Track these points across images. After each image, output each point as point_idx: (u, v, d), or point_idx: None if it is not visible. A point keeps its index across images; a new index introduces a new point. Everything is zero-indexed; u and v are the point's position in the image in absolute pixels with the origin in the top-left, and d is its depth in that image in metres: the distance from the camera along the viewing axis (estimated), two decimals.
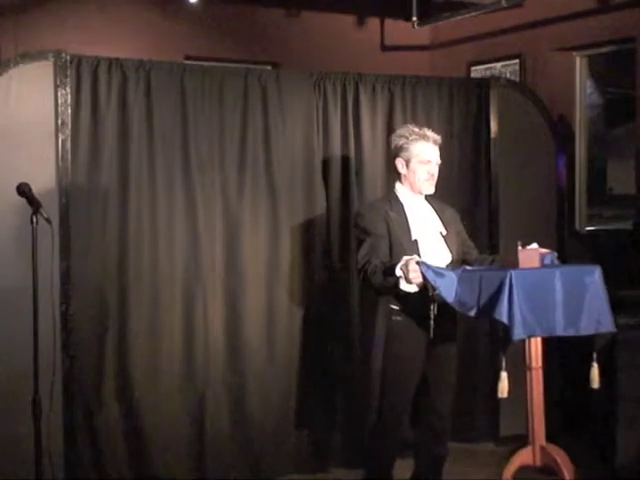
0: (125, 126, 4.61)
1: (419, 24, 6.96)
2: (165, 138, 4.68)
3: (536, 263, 3.91)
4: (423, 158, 4.14)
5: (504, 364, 3.83)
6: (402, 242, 4.02)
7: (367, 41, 7.19)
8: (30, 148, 4.40)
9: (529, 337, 3.90)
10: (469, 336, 5.22)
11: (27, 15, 6.10)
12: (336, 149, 5.07)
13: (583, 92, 6.33)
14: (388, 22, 7.28)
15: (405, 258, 3.81)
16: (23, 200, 3.85)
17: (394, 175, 5.10)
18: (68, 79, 4.47)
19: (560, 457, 4.09)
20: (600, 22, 5.88)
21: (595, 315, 3.84)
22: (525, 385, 4.10)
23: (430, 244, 4.09)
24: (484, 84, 5.52)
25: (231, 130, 4.83)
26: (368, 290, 4.15)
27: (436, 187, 4.22)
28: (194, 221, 4.74)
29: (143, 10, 6.51)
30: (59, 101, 4.45)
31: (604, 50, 6.15)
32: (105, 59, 4.59)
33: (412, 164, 4.15)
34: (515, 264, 3.86)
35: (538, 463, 4.13)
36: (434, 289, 3.78)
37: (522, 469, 4.19)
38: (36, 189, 3.90)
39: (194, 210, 4.74)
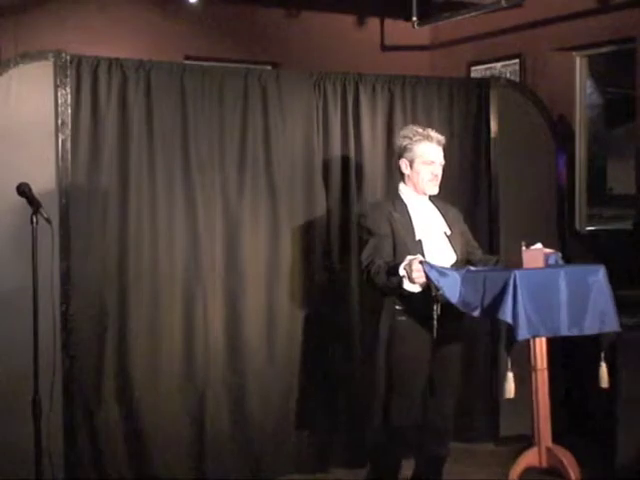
0: (125, 126, 4.60)
1: (419, 24, 6.96)
2: (165, 138, 4.68)
3: (540, 263, 3.90)
4: (427, 159, 4.14)
5: (509, 365, 3.82)
6: (406, 242, 4.02)
7: (367, 41, 7.19)
8: (30, 148, 4.40)
9: (533, 337, 3.89)
10: (469, 336, 5.21)
11: (27, 15, 6.10)
12: (336, 149, 5.07)
13: (583, 92, 6.33)
14: (388, 22, 7.28)
15: (409, 258, 3.81)
16: (23, 200, 3.85)
17: (394, 175, 5.13)
18: (68, 79, 4.47)
19: (566, 458, 4.07)
20: (600, 22, 5.88)
21: (599, 315, 3.83)
22: (528, 385, 4.09)
23: (434, 244, 4.08)
24: (484, 84, 5.52)
25: (231, 130, 4.83)
26: (371, 290, 4.14)
27: (438, 187, 4.21)
28: (194, 221, 4.74)
29: (143, 10, 6.51)
30: (59, 101, 4.45)
31: (604, 50, 6.15)
32: (105, 59, 4.59)
33: (416, 165, 4.15)
34: (519, 264, 3.85)
35: (544, 464, 4.11)
36: (437, 289, 3.78)
37: (527, 470, 4.18)
38: (36, 189, 3.90)
39: (194, 210, 4.74)
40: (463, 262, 4.12)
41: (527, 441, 5.07)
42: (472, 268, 3.95)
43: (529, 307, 3.68)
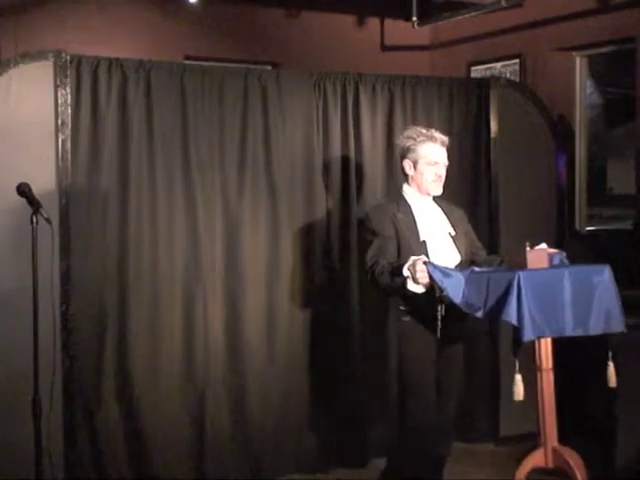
0: (125, 126, 4.60)
1: (419, 24, 6.97)
2: (165, 138, 4.68)
3: (545, 263, 3.89)
4: (430, 159, 4.13)
5: (517, 367, 3.82)
6: (410, 243, 4.01)
7: (367, 41, 7.20)
8: (30, 148, 4.40)
9: (538, 338, 3.88)
10: (469, 336, 5.21)
11: (27, 15, 6.10)
12: (336, 149, 5.07)
13: (583, 92, 6.34)
14: (388, 22, 7.29)
15: (412, 258, 3.80)
16: (23, 200, 3.84)
17: (394, 175, 5.14)
18: (68, 79, 4.46)
19: (572, 459, 4.06)
20: (600, 22, 5.88)
21: (604, 315, 3.82)
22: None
23: (439, 245, 4.08)
24: (484, 84, 5.52)
25: (231, 130, 4.83)
26: (375, 291, 4.13)
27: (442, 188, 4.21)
28: (194, 221, 4.74)
29: (143, 10, 6.51)
30: (59, 101, 4.45)
31: (604, 50, 6.16)
32: (105, 59, 4.59)
33: (419, 165, 4.14)
34: (523, 265, 3.84)
35: (550, 465, 4.09)
36: (441, 290, 3.77)
37: (532, 471, 4.17)
38: (36, 189, 3.90)
39: (194, 210, 4.74)
40: (467, 263, 4.11)
41: (527, 441, 5.09)
42: (476, 269, 3.94)
43: (533, 308, 3.67)
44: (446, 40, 7.23)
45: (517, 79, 6.43)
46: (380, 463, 5.06)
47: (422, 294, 3.84)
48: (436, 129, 4.27)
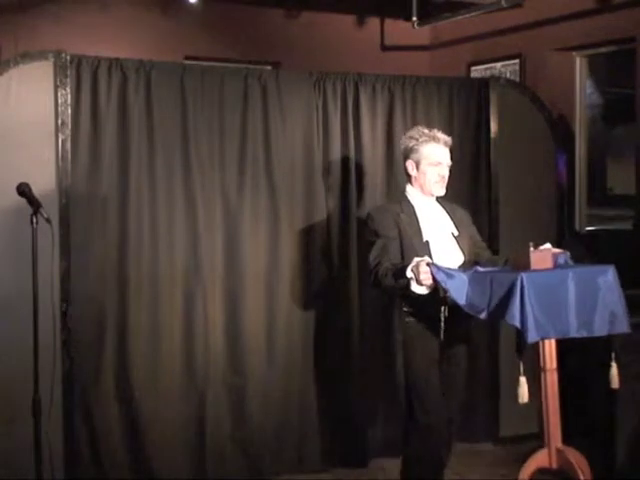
0: (125, 126, 4.60)
1: (419, 24, 6.97)
2: (165, 138, 4.68)
3: (549, 264, 3.86)
4: (433, 160, 4.11)
5: (522, 369, 3.80)
6: (414, 244, 3.99)
7: (367, 41, 7.20)
8: (30, 148, 4.40)
9: (543, 339, 3.86)
10: (472, 337, 5.21)
11: (27, 15, 6.10)
12: (336, 149, 5.07)
13: (583, 92, 6.34)
14: (388, 22, 7.29)
15: (416, 259, 3.78)
16: (23, 200, 3.85)
17: (394, 174, 5.14)
18: (68, 79, 4.47)
19: (576, 459, 4.05)
20: (600, 22, 5.88)
21: (608, 316, 3.80)
22: (538, 387, 4.08)
23: (442, 245, 4.06)
24: (484, 84, 5.51)
25: (231, 130, 4.83)
26: (377, 291, 4.11)
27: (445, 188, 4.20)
28: (194, 221, 4.74)
29: (143, 10, 6.51)
30: (59, 101, 4.45)
31: (604, 50, 6.15)
32: (105, 59, 4.59)
33: (422, 166, 4.11)
34: (527, 265, 3.81)
35: (554, 465, 4.08)
36: (445, 291, 3.76)
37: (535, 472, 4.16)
38: (36, 189, 3.90)
39: (194, 210, 4.74)
40: (470, 263, 4.08)
41: (527, 442, 5.10)
42: (480, 269, 3.91)
43: (537, 309, 3.64)
44: (446, 40, 7.23)
45: (517, 79, 6.43)
46: (380, 463, 5.08)
47: (426, 295, 3.82)
48: (438, 129, 4.26)
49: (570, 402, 4.80)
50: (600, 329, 3.80)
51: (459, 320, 3.92)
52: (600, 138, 6.73)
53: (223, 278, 4.80)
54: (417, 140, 4.12)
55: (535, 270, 3.80)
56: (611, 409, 4.76)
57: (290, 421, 4.95)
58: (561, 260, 3.97)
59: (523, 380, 3.83)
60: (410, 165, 4.15)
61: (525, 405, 3.99)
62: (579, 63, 6.31)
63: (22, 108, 4.39)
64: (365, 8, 7.17)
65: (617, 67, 6.51)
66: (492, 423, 5.46)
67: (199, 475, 4.75)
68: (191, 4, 6.42)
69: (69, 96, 4.47)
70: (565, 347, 4.11)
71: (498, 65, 6.72)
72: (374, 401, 5.16)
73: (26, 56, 4.45)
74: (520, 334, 3.69)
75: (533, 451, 4.17)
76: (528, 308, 3.62)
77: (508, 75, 6.52)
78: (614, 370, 4.00)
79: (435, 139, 4.12)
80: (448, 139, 4.17)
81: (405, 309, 4.00)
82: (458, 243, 4.12)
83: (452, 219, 4.19)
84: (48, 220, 3.79)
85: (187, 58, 6.40)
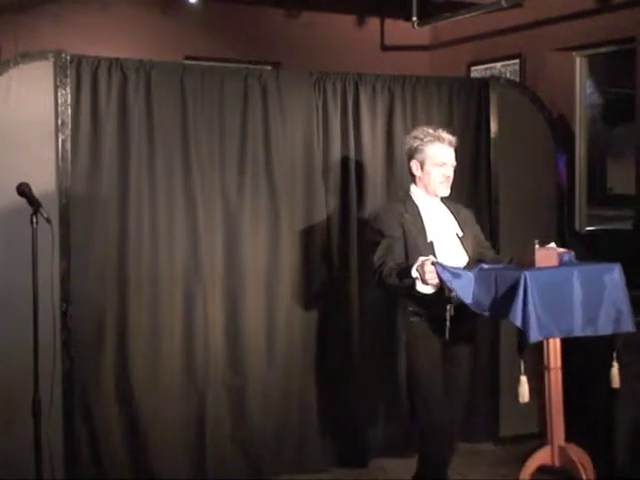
0: (125, 126, 4.60)
1: (419, 24, 6.96)
2: (165, 138, 4.68)
3: (554, 262, 3.85)
4: (438, 160, 4.10)
5: (523, 368, 3.80)
6: (418, 244, 3.99)
7: (367, 41, 7.20)
8: (30, 148, 4.40)
9: (546, 338, 3.85)
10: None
11: (27, 15, 6.10)
12: (336, 149, 5.07)
13: (583, 92, 6.33)
14: (388, 22, 7.29)
15: (421, 259, 3.77)
16: (23, 200, 3.85)
17: (394, 174, 5.14)
18: (68, 79, 4.47)
19: (579, 457, 4.04)
20: (600, 22, 5.88)
21: (614, 315, 3.79)
22: (540, 386, 4.08)
23: (446, 246, 4.05)
24: (484, 84, 5.51)
25: (231, 130, 4.82)
26: (382, 291, 4.10)
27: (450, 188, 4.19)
28: (194, 221, 4.74)
29: (143, 10, 6.51)
30: (59, 101, 4.45)
31: (604, 50, 6.15)
32: (105, 59, 4.59)
33: (427, 166, 4.10)
34: (532, 263, 3.80)
35: (557, 463, 4.07)
36: (450, 290, 3.75)
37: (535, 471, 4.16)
38: (36, 189, 3.90)
39: (194, 210, 4.74)
40: (474, 263, 4.06)
41: (527, 441, 5.10)
42: (485, 266, 3.90)
43: (540, 308, 3.62)
44: (446, 40, 7.23)
45: (517, 79, 6.43)
46: (380, 463, 5.09)
47: (431, 295, 3.82)
48: (443, 129, 4.24)
49: (571, 401, 4.80)
50: (605, 328, 3.79)
51: (464, 319, 3.92)
52: (600, 138, 6.72)
53: (223, 278, 4.80)
54: (422, 140, 4.11)
55: (540, 268, 3.79)
56: (612, 409, 4.76)
57: (290, 421, 4.95)
58: (566, 259, 3.96)
59: (524, 379, 3.82)
60: (415, 165, 4.14)
61: (525, 405, 4.00)
62: (579, 63, 6.30)
63: (22, 108, 4.39)
64: (365, 8, 7.17)
65: (617, 67, 6.51)
66: (492, 423, 5.46)
67: (199, 475, 4.75)
68: (191, 4, 6.41)
69: (69, 96, 4.47)
70: (566, 347, 4.11)
71: (498, 65, 6.72)
72: (374, 401, 5.16)
73: (26, 56, 4.45)
74: (522, 333, 3.68)
75: (533, 451, 4.17)
76: (531, 307, 3.61)
77: (508, 75, 6.52)
78: (615, 370, 3.99)
79: (440, 139, 4.11)
80: (453, 139, 4.15)
81: (410, 309, 3.99)
82: (462, 244, 4.12)
83: (456, 219, 4.18)
84: (48, 220, 3.79)
85: (187, 58, 6.40)
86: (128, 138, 4.61)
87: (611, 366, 4.00)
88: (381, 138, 5.18)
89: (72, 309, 4.46)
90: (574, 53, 6.28)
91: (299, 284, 4.97)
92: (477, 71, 6.91)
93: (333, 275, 5.05)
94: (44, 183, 4.34)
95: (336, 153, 5.07)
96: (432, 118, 5.23)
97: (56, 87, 4.45)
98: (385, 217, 4.08)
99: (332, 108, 5.06)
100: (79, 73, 4.51)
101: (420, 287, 3.78)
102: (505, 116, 5.45)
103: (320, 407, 5.02)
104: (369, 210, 4.96)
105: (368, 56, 6.98)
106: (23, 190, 3.84)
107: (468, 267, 3.98)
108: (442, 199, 4.20)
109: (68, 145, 4.47)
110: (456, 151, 4.19)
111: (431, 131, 4.14)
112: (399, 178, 5.10)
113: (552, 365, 4.05)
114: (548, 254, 3.85)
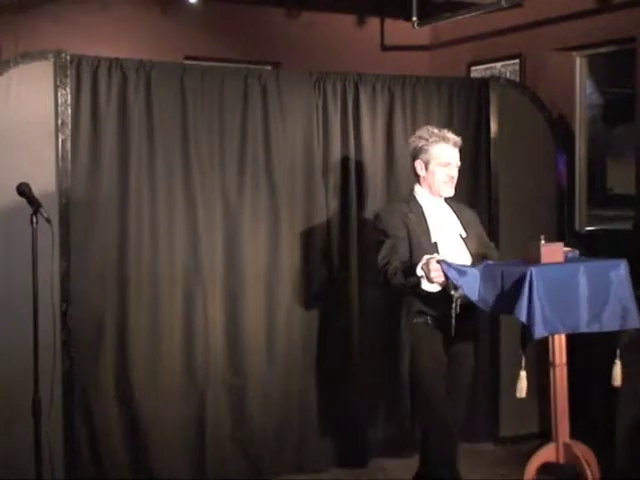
0: (125, 126, 4.60)
1: (419, 24, 6.96)
2: (165, 138, 4.68)
3: (560, 258, 3.85)
4: (442, 160, 4.09)
5: (524, 363, 3.79)
6: (422, 244, 3.98)
7: (367, 41, 7.20)
8: (30, 148, 4.40)
9: (551, 334, 3.84)
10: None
11: (27, 15, 6.10)
12: (336, 149, 5.07)
13: (583, 92, 6.33)
14: (388, 22, 7.29)
15: (426, 257, 3.77)
16: (23, 200, 3.85)
17: (394, 174, 5.14)
18: (68, 79, 4.47)
19: (584, 454, 4.03)
20: (600, 22, 5.88)
21: (620, 311, 3.78)
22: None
23: (450, 246, 4.04)
24: (484, 84, 5.52)
25: (231, 130, 4.83)
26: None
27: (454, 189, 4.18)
28: (194, 221, 4.74)
29: (143, 10, 6.51)
30: (59, 101, 4.45)
31: (604, 50, 6.15)
32: (105, 59, 4.59)
33: (431, 166, 4.09)
34: (538, 259, 3.79)
35: (561, 460, 4.06)
36: (456, 288, 3.74)
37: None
38: (36, 189, 3.90)
39: (194, 210, 4.74)
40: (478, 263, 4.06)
41: (527, 441, 5.10)
42: (490, 262, 3.89)
43: (546, 304, 3.62)
44: (446, 40, 7.23)
45: (517, 79, 6.43)
46: (380, 463, 5.09)
47: (435, 293, 3.81)
48: (447, 129, 4.23)
49: (572, 400, 4.80)
50: (611, 324, 3.78)
51: (468, 318, 3.92)
52: (600, 138, 6.72)
53: (223, 278, 4.80)
54: (427, 140, 4.10)
55: (546, 264, 3.78)
56: (613, 407, 4.76)
57: (290, 421, 4.95)
58: (571, 257, 3.97)
59: (523, 374, 3.82)
60: (419, 165, 4.13)
61: (526, 405, 4.00)
62: (579, 63, 6.30)
63: (22, 108, 4.39)
64: (365, 8, 7.17)
65: (617, 67, 6.51)
66: (492, 423, 5.46)
67: (199, 475, 4.75)
68: (191, 4, 6.41)
69: (69, 96, 4.47)
70: (568, 345, 4.11)
71: (498, 65, 6.71)
72: (374, 401, 5.16)
73: (26, 56, 4.45)
74: (526, 328, 3.67)
75: (533, 451, 4.17)
76: (536, 303, 3.60)
77: (508, 75, 6.52)
78: (617, 368, 3.98)
79: (445, 139, 4.10)
80: (458, 139, 4.14)
81: (414, 309, 3.98)
82: (466, 244, 4.11)
83: (460, 220, 4.17)
84: (48, 220, 3.79)
85: (187, 58, 6.40)
86: (128, 138, 4.61)
87: (613, 364, 3.99)
88: (381, 138, 5.18)
89: (72, 309, 4.46)
90: (574, 53, 6.28)
91: (299, 284, 4.97)
92: (477, 71, 6.91)
93: (333, 275, 5.05)
94: (44, 183, 4.34)
95: (336, 153, 5.07)
96: (432, 118, 5.23)
97: (56, 87, 4.45)
98: (389, 217, 4.08)
99: (332, 108, 5.06)
100: (79, 73, 4.51)
101: (425, 285, 3.78)
102: (505, 116, 5.46)
103: (320, 407, 5.03)
104: (369, 210, 4.97)
105: (368, 56, 6.98)
106: (23, 190, 3.84)
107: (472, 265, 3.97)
108: (446, 199, 4.19)
109: (68, 145, 4.47)
110: (460, 151, 4.19)
111: (436, 131, 4.14)
112: (399, 178, 5.10)
113: (557, 361, 4.04)
114: (554, 249, 3.85)
